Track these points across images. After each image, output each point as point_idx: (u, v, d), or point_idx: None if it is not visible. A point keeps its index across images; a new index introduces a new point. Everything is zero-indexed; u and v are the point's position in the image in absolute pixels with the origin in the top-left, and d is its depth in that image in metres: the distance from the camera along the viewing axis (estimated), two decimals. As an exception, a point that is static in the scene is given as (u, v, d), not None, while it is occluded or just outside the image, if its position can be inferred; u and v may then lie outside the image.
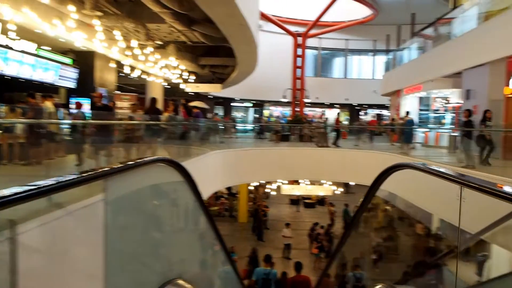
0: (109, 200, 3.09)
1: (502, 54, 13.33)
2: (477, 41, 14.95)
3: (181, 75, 21.25)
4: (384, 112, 45.13)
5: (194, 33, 14.90)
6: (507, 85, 13.32)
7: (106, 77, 16.86)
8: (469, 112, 10.83)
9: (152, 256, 4.27)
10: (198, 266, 6.44)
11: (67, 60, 15.90)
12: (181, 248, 5.38)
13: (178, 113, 11.05)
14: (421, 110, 25.69)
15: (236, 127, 25.54)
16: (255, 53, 17.59)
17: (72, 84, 16.16)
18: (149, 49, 14.43)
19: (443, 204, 8.12)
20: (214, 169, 14.86)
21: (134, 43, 12.77)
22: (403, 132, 17.68)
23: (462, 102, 18.05)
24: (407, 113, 19.32)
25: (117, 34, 12.17)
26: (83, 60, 16.29)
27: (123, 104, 15.57)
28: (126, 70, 15.70)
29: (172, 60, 16.36)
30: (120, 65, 16.46)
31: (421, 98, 25.46)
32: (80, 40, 12.65)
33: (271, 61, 36.54)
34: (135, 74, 16.34)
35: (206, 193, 14.23)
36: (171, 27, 14.14)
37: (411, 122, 18.05)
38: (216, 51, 20.45)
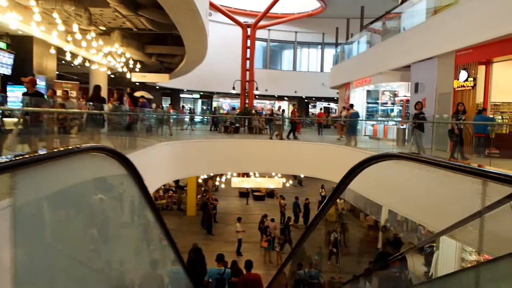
0: (20, 205, 2.02)
1: (451, 47, 13.57)
2: (426, 34, 15.15)
3: (126, 63, 20.24)
4: (332, 105, 45.88)
5: (141, 19, 14.11)
6: (456, 78, 13.57)
7: (45, 64, 15.56)
8: (421, 105, 10.87)
9: (88, 268, 3.47)
10: (144, 268, 5.90)
11: (1, 44, 14.57)
12: (124, 252, 4.78)
13: (123, 102, 10.35)
14: (369, 103, 26.08)
15: (190, 118, 24.60)
16: (205, 42, 16.97)
17: (7, 71, 14.84)
18: (92, 34, 13.47)
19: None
20: (161, 161, 14.27)
21: (75, 27, 11.80)
22: (348, 125, 17.83)
23: (410, 95, 18.39)
24: (351, 105, 19.46)
25: (56, 17, 11.18)
26: (20, 45, 14.80)
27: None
28: (68, 57, 14.56)
29: (117, 48, 15.44)
30: (61, 51, 15.31)
31: (369, 91, 25.84)
32: (15, 23, 11.54)
33: (220, 53, 36.03)
34: (78, 61, 15.26)
35: (153, 187, 13.63)
36: (116, 12, 13.29)
37: (355, 115, 18.17)
38: (164, 40, 19.65)
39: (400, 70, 19.29)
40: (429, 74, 15.40)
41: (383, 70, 20.00)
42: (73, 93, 13.22)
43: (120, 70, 20.50)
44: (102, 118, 9.19)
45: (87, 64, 17.41)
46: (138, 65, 21.38)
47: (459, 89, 13.55)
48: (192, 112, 34.20)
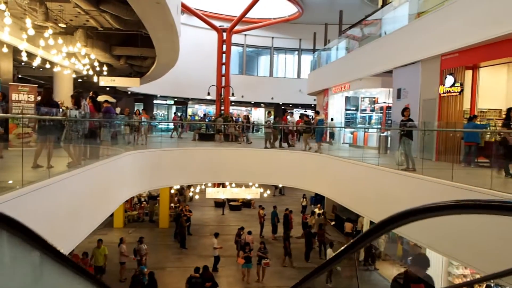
0: None
1: (435, 51, 12.94)
2: (409, 38, 14.53)
3: (92, 65, 18.93)
4: (309, 112, 45.31)
5: (105, 16, 12.99)
6: (442, 83, 12.90)
7: None
8: (409, 111, 10.09)
9: None
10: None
11: None
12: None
13: (83, 107, 9.27)
14: (348, 110, 25.43)
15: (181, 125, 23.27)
16: (176, 42, 15.86)
17: None
18: (50, 31, 12.22)
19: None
20: (130, 171, 13.29)
21: (28, 23, 10.58)
22: (315, 132, 17.52)
23: (392, 101, 17.77)
24: (317, 112, 18.84)
25: (3, 8, 9.87)
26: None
27: (22, 97, 13.17)
28: (24, 57, 13.25)
29: (79, 48, 14.23)
30: (18, 52, 14.03)
31: (348, 98, 25.21)
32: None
33: (195, 58, 35.21)
34: (37, 62, 13.96)
35: (120, 199, 12.59)
36: (77, 7, 12.14)
37: (321, 122, 17.90)
38: (133, 41, 18.53)
39: (381, 76, 18.71)
40: (412, 79, 14.76)
41: (363, 76, 19.36)
42: (31, 97, 11.99)
43: (85, 73, 19.16)
44: (56, 125, 8.07)
45: (48, 65, 16.09)
46: (105, 68, 20.04)
47: (444, 95, 12.91)
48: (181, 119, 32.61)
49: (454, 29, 11.93)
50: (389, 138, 15.78)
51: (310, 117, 42.94)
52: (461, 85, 12.37)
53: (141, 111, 17.27)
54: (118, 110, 18.32)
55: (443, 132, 12.63)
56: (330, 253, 15.62)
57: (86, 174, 8.62)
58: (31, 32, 10.51)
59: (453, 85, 12.58)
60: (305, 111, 46.08)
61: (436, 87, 13.20)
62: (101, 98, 12.61)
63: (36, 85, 11.96)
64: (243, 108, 43.88)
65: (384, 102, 21.47)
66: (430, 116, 13.42)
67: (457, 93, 12.48)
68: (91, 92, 10.70)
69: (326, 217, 22.02)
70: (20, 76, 23.29)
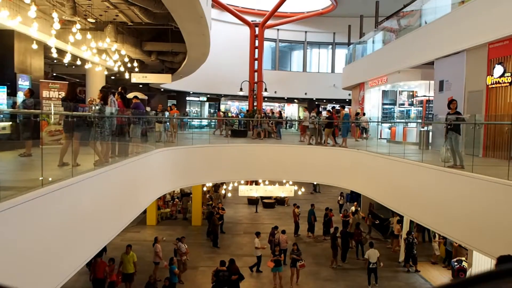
0: None
1: (483, 39, 12.02)
2: (452, 27, 13.62)
3: (122, 61, 18.76)
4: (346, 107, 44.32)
5: (135, 10, 12.69)
6: (489, 74, 11.98)
7: (29, 61, 14.01)
8: (456, 103, 9.29)
9: None
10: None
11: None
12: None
13: (110, 103, 8.96)
14: (385, 104, 24.46)
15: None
16: (207, 35, 15.42)
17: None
18: (78, 26, 11.98)
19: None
20: (161, 169, 13.05)
21: (55, 17, 10.33)
22: (342, 127, 16.80)
23: (433, 94, 16.85)
24: (343, 107, 18.02)
25: (28, 2, 9.58)
26: (-1, 41, 13.37)
27: (52, 94, 13.07)
28: (54, 53, 13.07)
29: (109, 43, 14.00)
30: (49, 49, 13.90)
31: (385, 92, 24.24)
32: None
33: (228, 53, 34.96)
34: (67, 59, 13.84)
35: (150, 197, 12.32)
36: (105, 1, 11.89)
37: (347, 116, 17.23)
38: (164, 36, 18.26)
39: (421, 68, 17.81)
40: (456, 70, 13.86)
41: (402, 68, 18.45)
42: (62, 94, 11.82)
43: (116, 69, 19.04)
44: (82, 121, 7.77)
45: (79, 62, 15.99)
46: (136, 64, 19.82)
47: (493, 86, 11.97)
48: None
49: (503, 15, 11.04)
50: (430, 133, 14.92)
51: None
52: (512, 75, 11.43)
53: (171, 106, 16.87)
54: (148, 108, 17.97)
55: (492, 126, 11.73)
56: (373, 253, 14.86)
57: (114, 172, 8.31)
58: (57, 26, 10.26)
59: (502, 75, 11.64)
60: (340, 107, 45.16)
61: (483, 77, 12.27)
62: (132, 95, 12.24)
63: (67, 82, 11.75)
64: (276, 104, 43.33)
65: (424, 96, 20.49)
66: (476, 109, 12.52)
67: (508, 84, 11.53)
68: (119, 88, 10.40)
69: (368, 216, 21.22)
70: (54, 74, 23.54)
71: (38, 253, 5.31)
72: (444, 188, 9.01)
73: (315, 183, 28.98)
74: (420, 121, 19.48)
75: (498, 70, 11.69)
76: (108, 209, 8.10)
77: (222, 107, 43.52)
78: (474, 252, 12.34)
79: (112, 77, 23.07)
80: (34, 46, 12.30)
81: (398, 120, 22.57)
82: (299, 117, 39.19)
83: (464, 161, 8.77)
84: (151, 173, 12.12)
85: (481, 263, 12.48)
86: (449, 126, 9.05)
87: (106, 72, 20.25)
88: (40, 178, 5.68)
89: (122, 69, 19.32)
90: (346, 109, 19.19)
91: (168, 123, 15.70)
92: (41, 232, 5.39)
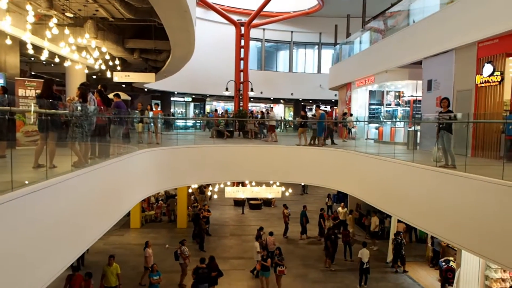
0: None
1: (472, 38, 11.85)
2: (441, 26, 13.46)
3: (103, 59, 18.17)
4: (329, 108, 44.38)
5: (115, 4, 12.20)
6: (479, 73, 11.80)
7: (4, 58, 13.36)
8: (447, 101, 9.04)
9: None
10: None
11: None
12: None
13: (89, 101, 8.53)
14: (371, 104, 24.29)
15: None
16: (191, 32, 14.93)
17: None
18: (54, 20, 11.38)
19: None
20: (144, 170, 12.59)
21: (29, 9, 9.76)
22: (318, 126, 16.54)
23: (419, 94, 16.68)
24: (318, 106, 17.83)
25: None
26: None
27: (29, 93, 12.48)
28: (30, 50, 12.49)
29: (88, 38, 13.45)
30: (25, 46, 13.28)
31: (371, 92, 24.07)
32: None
33: (213, 53, 34.67)
34: (44, 56, 13.24)
35: (133, 200, 11.88)
36: (83, -7, 11.39)
37: (323, 116, 16.77)
38: (147, 33, 17.75)
39: (408, 67, 17.67)
40: (445, 69, 13.69)
41: (389, 67, 18.26)
42: (38, 93, 11.28)
43: (97, 67, 18.44)
44: (58, 120, 7.32)
45: (57, 60, 15.40)
46: (118, 62, 19.25)
47: (482, 85, 11.80)
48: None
49: (492, 13, 10.89)
50: (418, 133, 14.71)
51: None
52: (502, 74, 11.27)
53: (153, 106, 16.27)
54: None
55: (481, 126, 11.56)
56: (366, 253, 14.63)
57: (93, 174, 7.88)
58: (31, 19, 9.72)
59: (492, 74, 11.49)
60: (325, 107, 45.12)
61: (472, 77, 12.10)
62: (111, 95, 11.69)
63: (43, 80, 11.24)
64: (262, 105, 43.02)
65: (411, 96, 20.35)
66: (465, 108, 12.34)
67: (497, 83, 11.37)
68: (99, 86, 9.94)
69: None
70: (33, 73, 22.82)
71: (7, 261, 4.89)
72: (436, 188, 8.76)
73: (302, 184, 28.73)
74: (408, 120, 19.33)
75: (488, 69, 11.53)
76: (87, 213, 7.66)
77: (208, 108, 43.08)
78: (463, 252, 12.20)
79: (94, 76, 22.45)
80: (8, 41, 11.72)
81: (386, 120, 22.39)
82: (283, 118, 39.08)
83: (456, 160, 8.54)
84: (134, 175, 11.68)
85: (469, 263, 12.35)
86: (440, 125, 8.81)
87: (86, 71, 19.63)
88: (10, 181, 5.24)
89: (103, 67, 18.74)
90: (328, 108, 18.98)
91: (152, 124, 15.18)
92: (11, 239, 4.97)
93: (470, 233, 7.56)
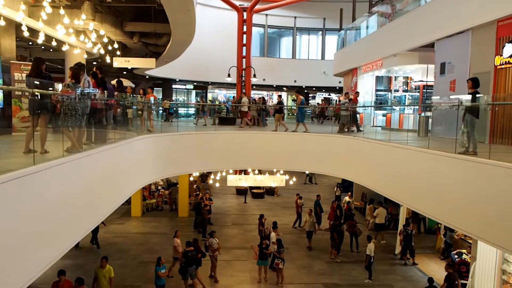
0: None
1: (490, 16, 11.15)
2: (455, 5, 12.76)
3: (102, 43, 17.52)
4: (333, 95, 43.83)
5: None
6: (498, 54, 11.15)
7: None
8: (472, 82, 8.40)
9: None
10: None
11: None
12: None
13: (83, 83, 7.98)
14: (378, 90, 23.57)
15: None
16: (192, 11, 14.14)
17: None
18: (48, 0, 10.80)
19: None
20: (143, 157, 12.07)
21: (22, -13, 9.20)
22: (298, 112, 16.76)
23: (430, 79, 16.04)
24: (298, 92, 17.31)
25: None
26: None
27: (25, 76, 11.93)
28: (26, 32, 11.89)
29: (84, 20, 12.82)
30: (21, 29, 12.68)
31: (378, 78, 23.33)
32: None
33: (215, 39, 34.05)
34: (41, 39, 12.67)
35: (131, 188, 11.39)
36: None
37: (303, 102, 17.01)
38: (147, 17, 17.11)
39: (418, 51, 16.97)
40: (460, 51, 12.98)
41: (398, 50, 17.51)
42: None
43: (95, 51, 17.83)
44: (49, 102, 6.78)
45: (54, 43, 14.78)
46: (117, 46, 18.64)
47: (502, 66, 11.12)
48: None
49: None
50: (429, 119, 14.09)
51: (334, 101, 41.55)
52: (524, 54, 10.61)
53: (147, 90, 15.26)
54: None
55: (499, 111, 10.93)
56: (371, 248, 14.06)
57: (88, 160, 7.36)
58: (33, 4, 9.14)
59: (512, 55, 10.82)
60: (329, 95, 44.49)
61: (491, 58, 11.43)
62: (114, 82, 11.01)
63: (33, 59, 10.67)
64: (265, 92, 42.34)
65: (421, 80, 19.66)
66: (483, 91, 11.60)
67: (518, 64, 10.72)
68: (94, 68, 9.37)
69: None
70: (32, 59, 22.15)
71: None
72: (454, 176, 8.18)
73: (307, 172, 28.20)
74: (424, 104, 18.53)
75: (509, 49, 10.83)
76: (81, 201, 7.13)
77: (210, 95, 42.46)
78: (479, 245, 11.64)
79: (94, 62, 21.84)
80: (2, 22, 11.12)
81: (400, 105, 21.57)
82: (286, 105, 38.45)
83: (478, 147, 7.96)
84: (134, 162, 11.18)
85: (486, 256, 11.79)
86: (467, 108, 8.18)
87: (85, 56, 19.01)
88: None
89: (102, 51, 18.12)
90: (351, 95, 18.34)
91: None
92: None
93: (489, 223, 7.02)
